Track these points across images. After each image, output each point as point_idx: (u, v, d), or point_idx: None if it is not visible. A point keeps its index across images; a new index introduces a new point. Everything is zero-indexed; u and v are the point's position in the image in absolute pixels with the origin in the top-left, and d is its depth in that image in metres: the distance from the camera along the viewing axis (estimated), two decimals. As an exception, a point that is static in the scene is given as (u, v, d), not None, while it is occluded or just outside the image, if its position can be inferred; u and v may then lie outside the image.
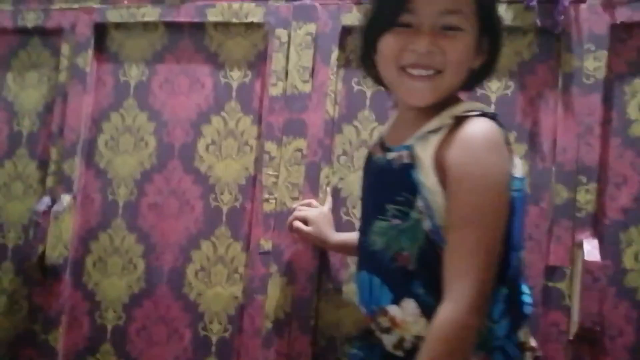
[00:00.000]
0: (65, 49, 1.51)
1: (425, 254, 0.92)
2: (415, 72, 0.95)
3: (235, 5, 1.42)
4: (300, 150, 1.35)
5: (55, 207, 1.45)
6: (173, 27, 1.48)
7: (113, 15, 1.49)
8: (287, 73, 1.37)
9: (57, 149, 1.49)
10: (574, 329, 1.17)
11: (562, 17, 1.22)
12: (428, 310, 0.92)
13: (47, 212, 1.45)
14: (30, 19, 1.55)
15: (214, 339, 1.39)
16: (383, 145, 1.03)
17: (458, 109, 0.95)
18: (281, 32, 1.38)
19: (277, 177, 1.36)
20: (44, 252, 1.45)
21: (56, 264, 1.45)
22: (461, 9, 0.94)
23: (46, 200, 1.47)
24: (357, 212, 1.33)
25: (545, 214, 1.22)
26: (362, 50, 1.02)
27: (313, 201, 1.32)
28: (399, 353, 0.97)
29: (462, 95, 1.04)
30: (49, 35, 1.56)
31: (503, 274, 0.93)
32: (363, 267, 1.02)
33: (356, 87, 1.37)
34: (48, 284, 1.46)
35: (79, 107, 1.49)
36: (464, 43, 0.94)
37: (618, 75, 1.23)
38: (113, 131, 1.50)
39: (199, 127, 1.45)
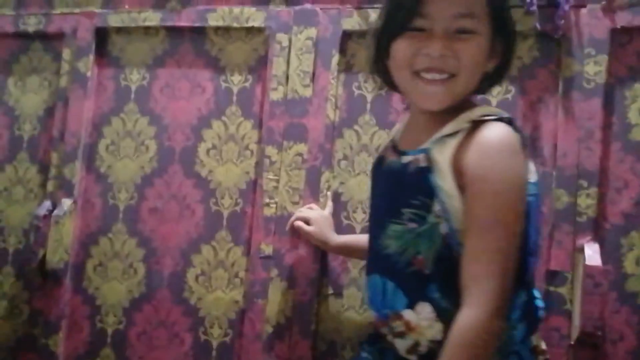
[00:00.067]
0: (66, 53, 1.52)
1: (441, 257, 0.92)
2: (429, 76, 0.95)
3: (236, 10, 1.42)
4: (300, 154, 1.35)
5: (56, 212, 1.45)
6: (174, 32, 1.48)
7: (114, 20, 1.49)
8: (287, 77, 1.37)
9: (58, 153, 1.50)
10: (575, 333, 1.16)
11: (563, 21, 1.22)
12: (444, 314, 0.92)
13: (47, 217, 1.45)
14: (32, 24, 1.55)
15: (215, 343, 1.39)
16: (396, 149, 1.02)
17: (475, 113, 0.95)
18: (282, 37, 1.38)
19: (277, 181, 1.36)
20: (44, 257, 1.45)
21: (57, 268, 1.45)
22: (474, 13, 0.94)
23: (47, 204, 1.47)
24: (358, 216, 1.33)
25: (546, 218, 1.22)
26: (374, 54, 1.01)
27: (314, 205, 1.32)
28: (413, 357, 0.96)
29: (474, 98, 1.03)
30: (50, 40, 1.56)
31: (521, 278, 0.93)
32: (375, 271, 1.01)
33: (357, 92, 1.37)
34: (48, 289, 1.46)
35: (79, 112, 1.49)
36: (477, 46, 0.94)
37: (618, 79, 1.23)
38: (114, 136, 1.50)
39: (199, 132, 1.45)
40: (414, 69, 0.95)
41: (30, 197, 1.54)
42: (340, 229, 1.32)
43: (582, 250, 1.17)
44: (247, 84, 1.43)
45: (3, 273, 1.54)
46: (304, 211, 1.30)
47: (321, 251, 1.32)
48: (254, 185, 1.40)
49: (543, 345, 1.01)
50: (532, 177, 0.96)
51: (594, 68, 1.21)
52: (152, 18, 1.47)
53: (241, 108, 1.43)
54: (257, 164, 1.40)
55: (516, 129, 0.95)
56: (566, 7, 1.22)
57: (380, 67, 1.02)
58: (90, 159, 1.51)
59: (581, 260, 1.17)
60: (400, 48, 0.96)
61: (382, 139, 1.34)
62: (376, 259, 1.01)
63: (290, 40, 1.38)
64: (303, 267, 1.32)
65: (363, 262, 1.31)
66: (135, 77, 1.50)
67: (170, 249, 1.43)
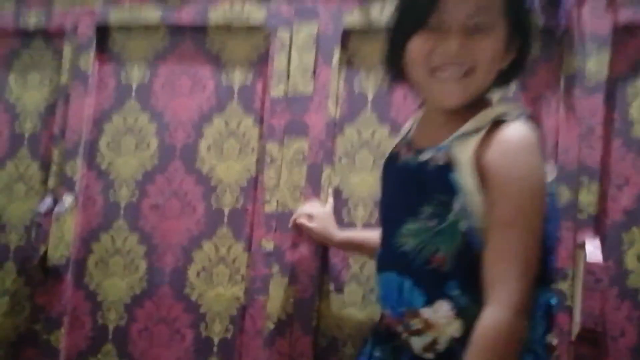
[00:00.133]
0: (67, 50, 1.51)
1: (461, 255, 0.92)
2: (445, 73, 0.94)
3: (237, 7, 1.42)
4: (301, 151, 1.35)
5: (57, 208, 1.45)
6: (175, 29, 1.48)
7: (115, 17, 1.49)
8: (288, 74, 1.37)
9: (59, 150, 1.50)
10: (576, 329, 1.17)
11: (565, 18, 1.22)
12: (463, 312, 0.92)
13: (49, 213, 1.45)
14: (32, 20, 1.55)
15: (216, 339, 1.39)
16: (411, 147, 1.02)
17: (495, 111, 0.94)
18: (283, 33, 1.38)
19: (278, 178, 1.36)
20: (45, 253, 1.45)
21: (58, 264, 1.45)
22: (490, 8, 0.93)
23: (48, 201, 1.47)
24: (359, 213, 1.34)
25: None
26: (389, 51, 1.01)
27: (315, 202, 1.32)
28: (429, 355, 0.95)
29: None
30: (51, 37, 1.56)
31: (542, 277, 0.93)
32: (389, 268, 1.00)
33: (358, 88, 1.37)
34: (50, 285, 1.46)
35: (80, 109, 1.49)
36: (493, 43, 0.93)
37: (620, 76, 1.23)
38: (115, 132, 1.50)
39: (200, 129, 1.45)
40: (431, 67, 0.95)
41: (31, 194, 1.54)
42: (341, 226, 1.32)
43: (583, 246, 1.17)
44: (247, 81, 1.43)
45: (5, 269, 1.54)
46: (306, 208, 1.30)
47: (322, 247, 1.32)
48: (254, 181, 1.40)
49: (555, 342, 1.01)
50: (550, 176, 0.96)
51: (595, 65, 1.21)
52: (152, 15, 1.47)
53: (242, 105, 1.43)
54: (258, 161, 1.40)
55: (533, 126, 0.94)
56: (568, 4, 1.22)
57: (395, 65, 1.01)
58: (91, 155, 1.51)
59: (582, 257, 1.17)
60: (417, 46, 0.95)
61: (384, 135, 1.34)
62: (390, 257, 1.00)
63: (291, 37, 1.37)
64: (304, 264, 1.32)
65: (364, 259, 1.32)
66: (136, 74, 1.50)
67: (172, 246, 1.44)
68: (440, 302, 0.93)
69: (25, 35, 1.58)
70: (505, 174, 0.89)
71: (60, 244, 1.46)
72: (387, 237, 1.02)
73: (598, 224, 1.20)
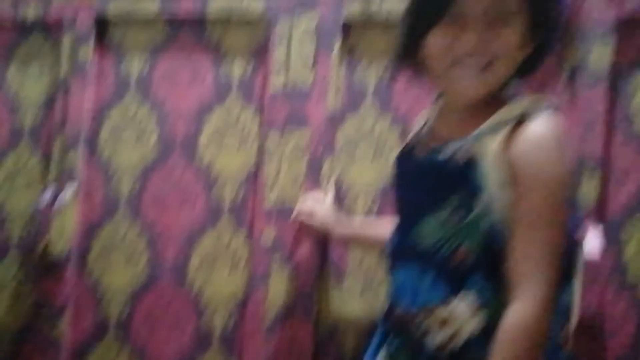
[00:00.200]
0: (66, 42, 1.50)
1: (484, 249, 0.92)
2: (465, 66, 0.93)
3: (236, -3, 1.41)
4: (302, 142, 1.34)
5: (58, 201, 1.46)
6: (174, 20, 1.47)
7: (114, 8, 1.48)
8: (288, 64, 1.36)
9: (59, 142, 1.49)
10: (574, 323, 1.17)
11: (567, 10, 1.21)
12: (486, 304, 0.92)
13: (50, 206, 1.46)
14: (31, 13, 1.54)
15: (217, 330, 1.40)
16: (429, 142, 1.01)
17: (521, 105, 0.94)
18: (283, 24, 1.37)
19: (278, 169, 1.35)
20: (47, 246, 1.46)
21: (59, 256, 1.46)
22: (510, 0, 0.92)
23: (49, 194, 1.48)
24: (360, 204, 1.33)
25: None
26: (404, 45, 0.99)
27: (315, 194, 1.32)
28: (445, 348, 0.94)
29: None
30: (49, 29, 1.54)
31: (568, 271, 0.93)
32: (406, 262, 0.99)
33: (359, 79, 1.36)
34: (51, 277, 1.47)
35: (80, 101, 1.49)
36: (512, 35, 0.92)
37: (623, 69, 1.22)
38: (115, 124, 1.50)
39: (200, 120, 1.44)
40: (449, 60, 0.94)
41: (32, 186, 1.54)
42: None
43: (582, 239, 1.17)
44: (247, 72, 1.43)
45: (6, 262, 1.54)
46: (306, 203, 1.30)
47: (322, 240, 1.32)
48: (255, 173, 1.40)
49: (570, 336, 1.00)
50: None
51: (598, 57, 1.20)
52: (152, 6, 1.46)
53: (242, 96, 1.43)
54: (259, 152, 1.40)
55: (561, 118, 0.94)
56: (571, -5, 1.21)
57: (411, 59, 1.00)
58: (91, 147, 1.51)
59: (581, 250, 1.16)
60: (436, 39, 0.94)
61: (384, 127, 1.34)
62: (408, 251, 0.99)
63: (291, 28, 1.36)
64: (304, 256, 1.32)
65: (364, 251, 1.32)
66: (135, 66, 1.50)
67: (172, 238, 1.44)
68: (464, 294, 0.93)
69: (24, 28, 1.57)
70: (533, 170, 0.89)
71: (62, 236, 1.46)
72: (405, 231, 1.01)
73: (598, 218, 1.19)
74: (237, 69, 1.43)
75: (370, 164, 1.34)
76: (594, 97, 1.20)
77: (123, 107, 1.50)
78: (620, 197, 1.20)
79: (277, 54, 1.37)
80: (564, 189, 0.91)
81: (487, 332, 0.89)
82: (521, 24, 0.93)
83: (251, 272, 1.36)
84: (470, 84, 0.94)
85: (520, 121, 0.92)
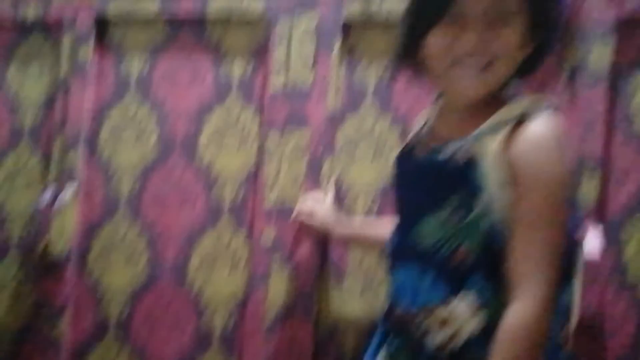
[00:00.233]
0: (66, 42, 1.50)
1: (484, 249, 0.92)
2: (464, 66, 0.93)
3: (236, -3, 1.41)
4: (302, 142, 1.35)
5: (58, 201, 1.46)
6: (174, 20, 1.47)
7: (114, 8, 1.48)
8: (288, 64, 1.36)
9: (59, 142, 1.49)
10: (574, 323, 1.17)
11: (567, 10, 1.21)
12: (486, 303, 0.92)
13: (50, 206, 1.46)
14: (31, 12, 1.54)
15: (217, 330, 1.40)
16: (429, 142, 1.01)
17: (521, 105, 0.94)
18: (283, 24, 1.37)
19: (278, 169, 1.36)
20: (47, 245, 1.46)
21: (59, 256, 1.46)
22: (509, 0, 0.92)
23: (49, 193, 1.48)
24: (360, 204, 1.34)
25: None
26: (403, 45, 0.99)
27: (315, 193, 1.32)
28: (444, 348, 0.94)
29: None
30: (49, 29, 1.55)
31: (568, 271, 0.93)
32: (407, 262, 0.99)
33: (358, 79, 1.36)
34: (51, 277, 1.47)
35: (80, 101, 1.49)
36: (513, 34, 0.92)
37: (623, 69, 1.22)
38: (115, 124, 1.50)
39: (200, 120, 1.45)
40: (449, 60, 0.94)
41: (32, 186, 1.54)
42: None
43: (582, 239, 1.17)
44: (247, 72, 1.43)
45: (6, 262, 1.54)
46: (306, 203, 1.30)
47: (322, 240, 1.32)
48: (255, 173, 1.40)
49: (570, 336, 1.01)
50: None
51: (598, 57, 1.20)
52: (152, 6, 1.46)
53: (242, 96, 1.43)
54: (258, 152, 1.40)
55: (561, 118, 0.94)
56: (571, -5, 1.21)
57: (410, 59, 1.00)
58: (91, 147, 1.51)
59: (581, 250, 1.16)
60: (436, 39, 0.94)
61: (384, 127, 1.34)
62: (408, 251, 0.99)
63: (291, 28, 1.36)
64: (304, 255, 1.32)
65: (364, 251, 1.32)
66: (135, 66, 1.50)
67: (173, 237, 1.44)
68: (464, 294, 0.93)
69: (24, 28, 1.57)
70: (533, 170, 0.89)
71: (62, 236, 1.46)
72: (405, 231, 1.01)
73: (598, 218, 1.19)
74: (237, 69, 1.43)
75: (370, 164, 1.34)
76: (594, 97, 1.20)
77: (123, 107, 1.50)
78: (620, 197, 1.20)
79: (277, 54, 1.37)
80: (564, 189, 0.91)
81: (487, 332, 0.90)
82: (521, 24, 0.93)
83: (251, 272, 1.36)
84: (470, 84, 0.94)
85: (520, 121, 0.92)
